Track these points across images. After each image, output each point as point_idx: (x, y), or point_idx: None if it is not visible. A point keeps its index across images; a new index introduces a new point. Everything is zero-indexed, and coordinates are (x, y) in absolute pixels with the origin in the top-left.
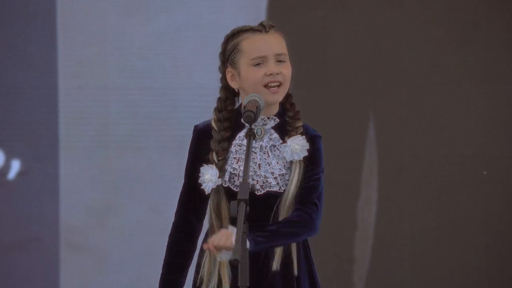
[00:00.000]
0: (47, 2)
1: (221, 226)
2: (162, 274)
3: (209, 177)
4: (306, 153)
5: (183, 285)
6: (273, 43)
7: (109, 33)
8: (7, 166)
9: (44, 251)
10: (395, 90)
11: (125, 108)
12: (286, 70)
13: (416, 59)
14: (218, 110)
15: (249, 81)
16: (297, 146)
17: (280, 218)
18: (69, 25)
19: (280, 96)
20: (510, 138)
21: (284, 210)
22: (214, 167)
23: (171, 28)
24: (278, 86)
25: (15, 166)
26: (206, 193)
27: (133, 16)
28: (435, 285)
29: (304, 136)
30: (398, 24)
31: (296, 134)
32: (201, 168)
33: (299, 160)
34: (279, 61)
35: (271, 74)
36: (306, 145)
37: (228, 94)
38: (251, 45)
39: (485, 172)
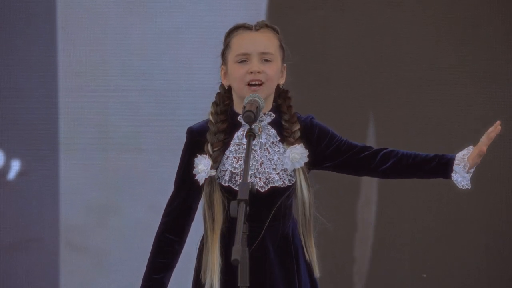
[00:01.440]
0: (47, 2)
1: (212, 217)
2: (146, 273)
3: (202, 167)
4: (306, 159)
5: (167, 286)
6: (260, 42)
7: (109, 33)
8: (7, 166)
9: (44, 251)
10: (395, 90)
11: (125, 109)
12: (270, 69)
13: (416, 59)
14: (216, 104)
15: (233, 77)
16: (297, 155)
17: (300, 221)
18: (69, 25)
19: (260, 94)
20: (510, 138)
21: (301, 216)
22: (208, 157)
23: (171, 28)
24: (259, 85)
25: (15, 166)
26: (200, 183)
27: (133, 16)
28: (435, 285)
29: (302, 144)
30: (398, 24)
31: (294, 140)
32: (195, 159)
33: (301, 167)
34: (265, 60)
35: (251, 72)
36: (305, 152)
37: (227, 90)
38: (238, 42)
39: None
